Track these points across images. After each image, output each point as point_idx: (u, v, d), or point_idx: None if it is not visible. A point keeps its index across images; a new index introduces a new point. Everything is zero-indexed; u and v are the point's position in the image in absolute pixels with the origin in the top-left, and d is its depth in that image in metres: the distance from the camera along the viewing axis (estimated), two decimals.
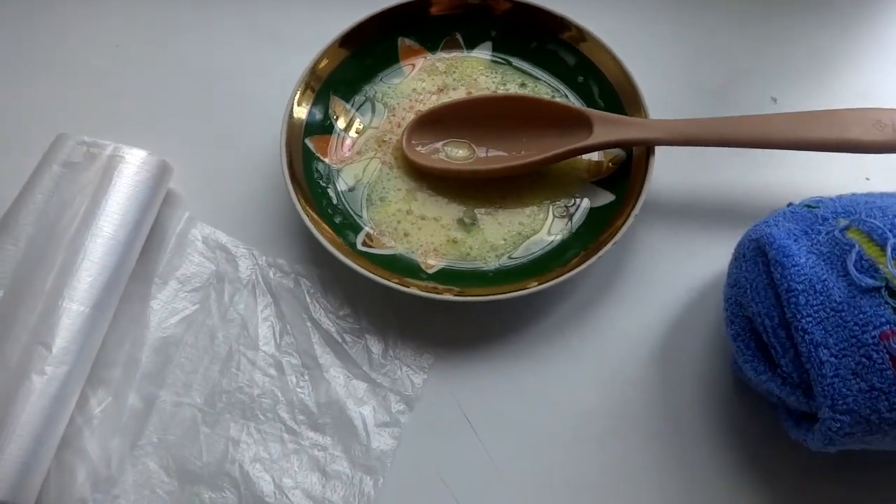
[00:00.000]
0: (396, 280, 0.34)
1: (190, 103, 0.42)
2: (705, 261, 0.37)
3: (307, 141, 0.38)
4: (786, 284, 0.28)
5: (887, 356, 0.26)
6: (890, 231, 0.28)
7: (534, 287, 0.33)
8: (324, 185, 0.38)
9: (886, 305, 0.27)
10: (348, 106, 0.40)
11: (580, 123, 0.37)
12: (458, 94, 0.41)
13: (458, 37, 0.42)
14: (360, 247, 0.36)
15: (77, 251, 0.33)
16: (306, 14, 0.45)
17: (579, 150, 0.37)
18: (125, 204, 0.35)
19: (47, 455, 0.31)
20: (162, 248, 0.37)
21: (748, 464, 0.32)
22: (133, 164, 0.36)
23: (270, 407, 0.33)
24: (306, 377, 0.34)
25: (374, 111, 0.40)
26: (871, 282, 0.27)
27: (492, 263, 0.36)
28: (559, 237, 0.37)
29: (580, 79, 0.41)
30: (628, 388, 0.34)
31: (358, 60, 0.41)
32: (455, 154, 0.39)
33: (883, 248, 0.28)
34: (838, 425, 0.27)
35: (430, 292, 0.34)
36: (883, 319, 0.27)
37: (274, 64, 0.43)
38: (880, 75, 0.44)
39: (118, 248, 0.34)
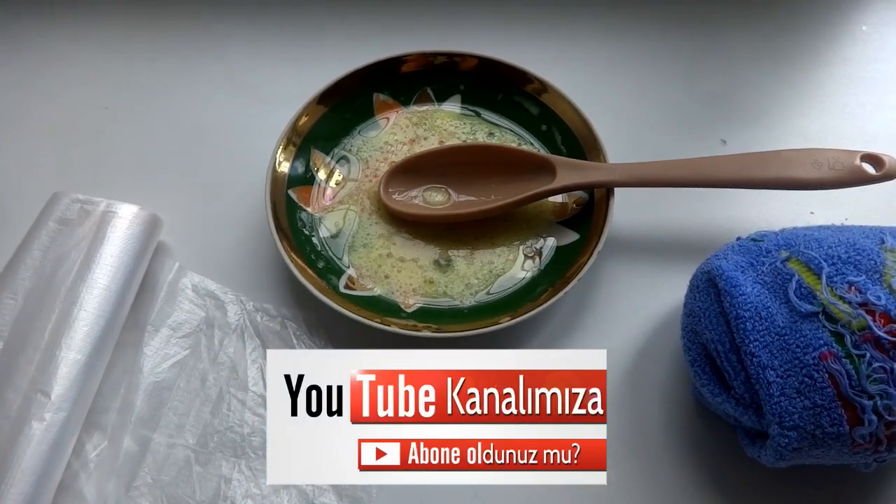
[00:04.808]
0: (378, 319, 0.36)
1: (177, 159, 0.44)
2: (664, 292, 0.39)
3: (290, 192, 0.40)
4: (734, 312, 0.30)
5: (826, 375, 0.28)
6: (825, 261, 0.31)
7: (506, 322, 0.35)
8: (307, 232, 0.40)
9: (824, 328, 0.29)
10: (328, 158, 0.42)
11: (545, 169, 0.40)
12: (430, 145, 0.43)
13: (430, 91, 0.44)
14: (342, 289, 0.38)
15: (73, 302, 0.35)
16: (285, 72, 0.48)
17: (545, 194, 0.40)
18: (118, 256, 0.36)
19: (47, 499, 0.32)
20: (154, 297, 0.38)
21: (709, 480, 0.34)
22: (125, 218, 0.37)
23: (260, 444, 0.35)
24: None
25: (350, 163, 0.43)
26: (809, 307, 0.30)
27: (467, 301, 0.38)
28: (529, 274, 0.39)
29: (543, 127, 0.43)
30: None
31: (336, 115, 0.43)
32: (433, 199, 0.41)
33: (819, 276, 0.30)
34: (787, 440, 0.29)
35: (410, 330, 0.35)
36: (821, 341, 0.29)
37: (256, 120, 0.45)
38: (819, 119, 0.46)
39: (112, 298, 0.36)
